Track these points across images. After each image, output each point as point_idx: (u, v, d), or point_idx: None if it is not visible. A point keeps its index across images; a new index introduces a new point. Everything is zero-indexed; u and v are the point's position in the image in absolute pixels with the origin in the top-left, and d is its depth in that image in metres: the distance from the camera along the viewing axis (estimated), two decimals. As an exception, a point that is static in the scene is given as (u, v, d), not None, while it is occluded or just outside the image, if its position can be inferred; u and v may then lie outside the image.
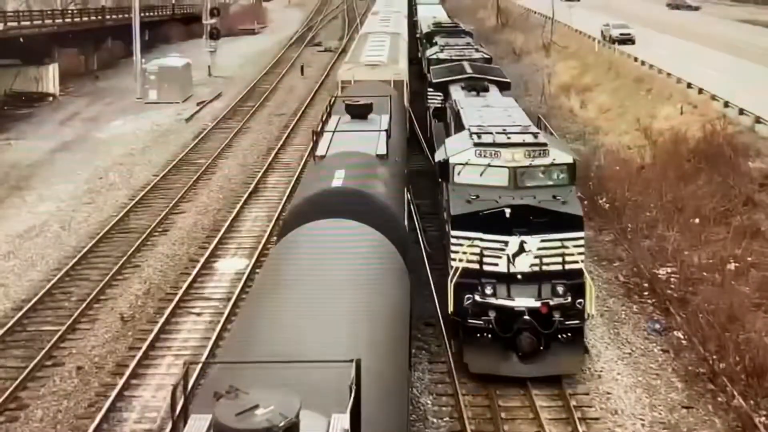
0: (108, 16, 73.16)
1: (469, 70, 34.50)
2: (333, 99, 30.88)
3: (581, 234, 20.68)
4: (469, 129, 23.34)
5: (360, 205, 17.19)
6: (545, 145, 21.66)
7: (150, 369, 21.76)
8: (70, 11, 68.60)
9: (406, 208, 21.43)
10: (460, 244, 20.47)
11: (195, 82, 58.81)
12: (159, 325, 23.59)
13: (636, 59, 59.11)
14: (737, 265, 25.96)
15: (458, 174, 21.52)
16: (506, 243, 20.16)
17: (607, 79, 56.36)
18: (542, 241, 20.15)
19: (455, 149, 22.22)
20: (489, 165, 21.22)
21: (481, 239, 20.31)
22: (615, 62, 60.32)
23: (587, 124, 47.01)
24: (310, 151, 25.91)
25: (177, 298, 25.21)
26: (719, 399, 19.71)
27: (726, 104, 42.66)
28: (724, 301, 23.16)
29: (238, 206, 33.15)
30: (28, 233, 31.06)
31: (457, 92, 31.20)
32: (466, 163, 21.39)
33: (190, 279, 26.46)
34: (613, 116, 47.79)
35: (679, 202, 31.13)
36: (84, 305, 24.74)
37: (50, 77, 57.43)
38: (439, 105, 35.66)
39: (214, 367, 13.05)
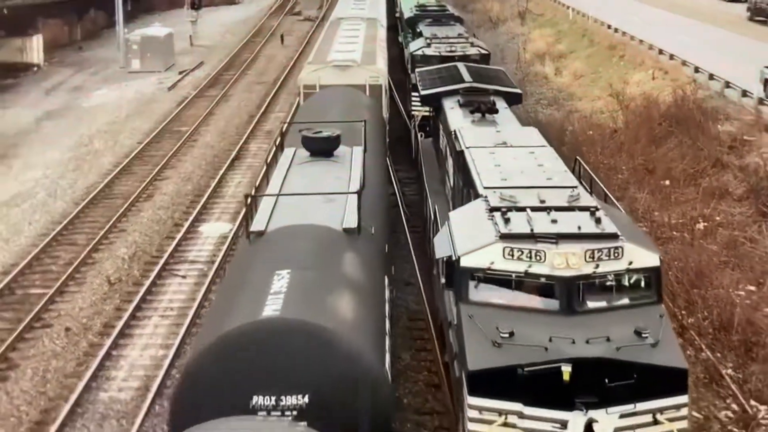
0: (90, -13, 72.42)
1: (467, 76, 26.52)
2: (284, 127, 22.91)
3: (685, 399, 12.91)
4: (486, 200, 15.36)
5: (311, 372, 11.49)
6: (616, 236, 13.78)
7: (137, 329, 21.92)
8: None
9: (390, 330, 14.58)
10: (484, 421, 12.66)
11: (177, 51, 58.46)
12: (145, 287, 23.70)
13: (609, 27, 59.15)
14: (706, 224, 26.26)
15: (475, 287, 13.73)
16: (564, 424, 12.46)
17: (581, 47, 56.52)
18: (623, 416, 12.57)
19: (469, 241, 14.14)
20: (527, 273, 13.48)
21: (522, 415, 12.54)
22: (589, 30, 60.41)
23: (561, 90, 47.19)
24: (243, 219, 18.56)
25: (162, 261, 25.31)
26: (688, 352, 19.99)
27: (696, 69, 42.82)
28: (693, 259, 23.45)
29: (221, 172, 33.16)
30: (14, 200, 31.00)
31: (453, 111, 23.77)
32: (489, 270, 13.59)
33: (174, 243, 26.55)
34: (586, 82, 47.99)
35: (650, 165, 31.42)
36: (71, 269, 24.79)
37: (34, 48, 56.89)
38: (428, 117, 28.96)
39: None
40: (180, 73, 53.16)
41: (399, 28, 55.20)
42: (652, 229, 26.27)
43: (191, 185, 32.29)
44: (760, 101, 35.25)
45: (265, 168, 19.89)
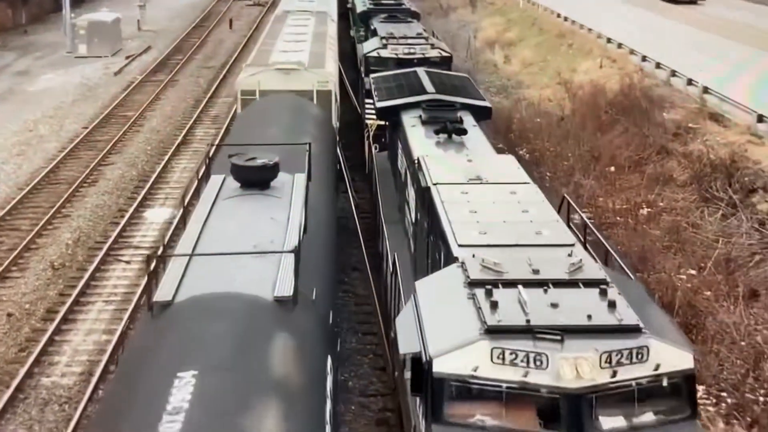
0: (35, -30, 71.45)
1: (429, 86, 23.37)
2: (212, 149, 19.00)
3: None
4: (463, 267, 11.98)
5: None
6: (638, 330, 10.37)
7: (80, 315, 21.77)
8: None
9: None
10: None
11: (124, 36, 57.89)
12: (89, 272, 23.53)
13: (559, 15, 59.60)
14: (649, 210, 26.68)
15: (453, 400, 10.34)
16: None
17: (531, 35, 56.90)
18: None
19: (444, 335, 10.72)
20: (523, 385, 10.10)
21: None
22: (539, 18, 60.85)
23: (510, 78, 47.50)
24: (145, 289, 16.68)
25: (106, 246, 25.15)
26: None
27: (644, 58, 43.37)
28: (636, 243, 23.86)
29: (166, 157, 32.96)
30: (-44, 184, 30.62)
31: (414, 130, 20.41)
32: (472, 380, 10.17)
33: (119, 228, 26.38)
34: (535, 70, 48.35)
35: (596, 152, 31.82)
36: (14, 254, 24.53)
37: (-23, 31, 56.11)
38: (384, 127, 25.86)
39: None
40: (127, 57, 52.65)
41: (350, 20, 51.88)
42: (597, 214, 26.66)
43: (136, 170, 32.06)
44: (705, 89, 35.77)
45: (181, 212, 15.89)
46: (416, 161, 17.34)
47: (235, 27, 64.10)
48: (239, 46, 55.64)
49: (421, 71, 25.29)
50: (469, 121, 21.02)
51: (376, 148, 26.08)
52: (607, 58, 45.29)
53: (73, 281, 23.36)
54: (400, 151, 21.26)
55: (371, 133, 26.98)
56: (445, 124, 19.78)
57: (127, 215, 27.36)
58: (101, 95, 43.46)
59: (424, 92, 22.82)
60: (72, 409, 17.81)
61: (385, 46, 31.55)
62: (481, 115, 22.87)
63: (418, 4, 65.75)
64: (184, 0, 78.99)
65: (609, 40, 48.75)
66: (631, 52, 45.20)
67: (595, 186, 28.72)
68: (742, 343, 18.93)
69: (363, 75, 31.39)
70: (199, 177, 17.17)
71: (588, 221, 17.74)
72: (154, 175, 30.95)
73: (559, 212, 15.78)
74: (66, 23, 55.98)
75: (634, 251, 23.29)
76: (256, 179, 15.18)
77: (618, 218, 26.20)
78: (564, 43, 51.77)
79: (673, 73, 39.55)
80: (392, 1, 45.69)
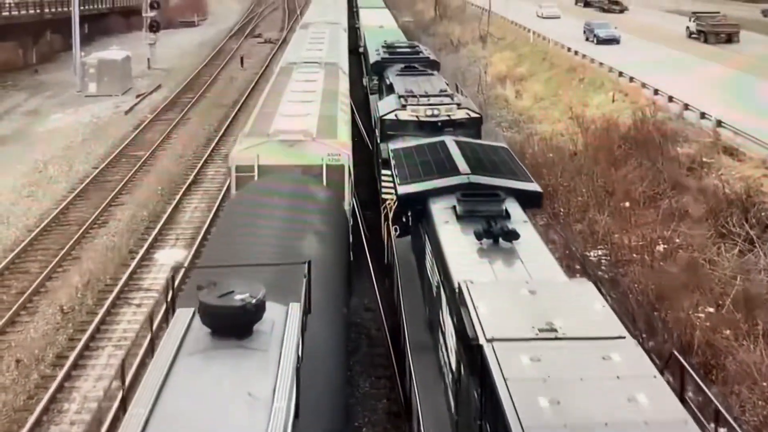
0: (47, 9, 72.03)
1: (462, 163, 18.71)
2: (177, 274, 17.70)
3: None
4: None
5: None
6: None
7: (90, 360, 21.58)
8: (7, 5, 67.44)
9: None
10: None
11: (135, 74, 58.23)
12: (99, 316, 23.36)
13: (569, 50, 59.65)
14: (665, 246, 26.39)
15: None
16: None
17: (542, 69, 56.97)
18: None
19: None
20: None
21: None
22: (549, 53, 60.92)
23: (522, 113, 47.46)
24: None
25: (117, 289, 24.99)
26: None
27: (656, 92, 43.27)
28: (652, 281, 23.55)
29: (177, 197, 32.90)
30: (-34, 227, 30.56)
31: (448, 228, 15.99)
32: None
33: (129, 270, 26.24)
34: (547, 105, 48.33)
35: (610, 187, 31.58)
36: (23, 298, 24.40)
37: (-13, 71, 56.46)
38: (407, 220, 20.41)
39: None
40: (137, 96, 52.87)
41: (363, 66, 48.90)
42: (612, 251, 26.39)
43: (147, 211, 31.99)
44: (719, 123, 35.61)
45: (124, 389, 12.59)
46: (457, 290, 12.63)
47: (246, 65, 64.35)
48: (251, 83, 55.82)
49: (450, 141, 20.74)
50: (516, 213, 16.58)
51: (395, 231, 21.45)
52: (619, 91, 45.25)
53: (82, 326, 23.18)
54: (429, 252, 16.97)
55: (390, 214, 22.52)
56: (489, 224, 15.10)
57: (138, 257, 27.22)
58: (111, 134, 43.55)
59: (457, 173, 18.30)
60: (81, 459, 17.60)
61: (403, 107, 27.48)
62: (529, 201, 18.17)
63: (428, 40, 66.08)
64: (195, 38, 79.57)
65: (621, 74, 48.70)
66: (643, 85, 45.12)
67: (609, 222, 28.46)
68: (764, 384, 18.60)
69: (378, 140, 28.28)
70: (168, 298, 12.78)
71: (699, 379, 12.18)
72: (165, 216, 30.85)
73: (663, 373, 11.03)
74: (76, 62, 56.37)
75: (651, 289, 22.99)
76: (231, 325, 10.76)
77: (634, 255, 25.92)
78: (575, 77, 51.77)
79: (686, 107, 39.41)
80: (408, 49, 41.62)
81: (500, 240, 14.83)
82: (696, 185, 30.33)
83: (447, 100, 28.27)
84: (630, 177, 32.16)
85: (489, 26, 72.03)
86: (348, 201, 23.52)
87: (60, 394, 19.92)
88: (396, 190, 19.35)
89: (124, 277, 25.76)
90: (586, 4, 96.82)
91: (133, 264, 26.71)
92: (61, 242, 28.63)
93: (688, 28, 67.32)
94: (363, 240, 27.27)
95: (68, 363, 20.98)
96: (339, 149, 23.67)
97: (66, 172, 37.11)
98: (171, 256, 27.79)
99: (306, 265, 12.36)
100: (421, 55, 39.71)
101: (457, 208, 16.50)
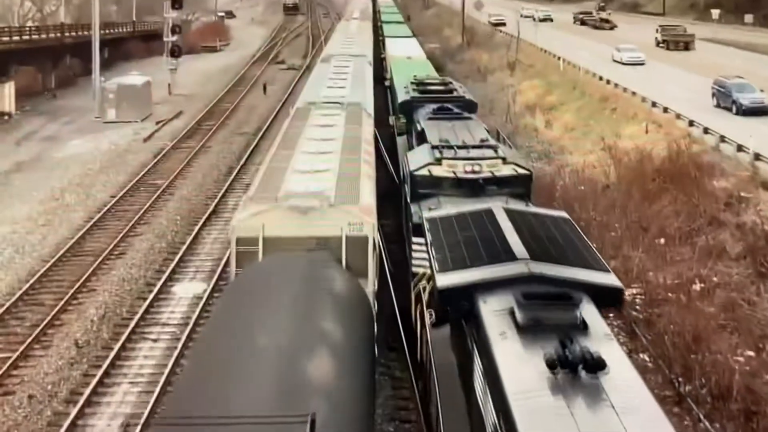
0: (67, 33, 72.68)
1: (518, 246, 15.02)
2: None
3: None
4: None
5: None
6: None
7: (105, 397, 21.43)
8: (27, 28, 68.18)
9: None
10: None
11: (155, 100, 58.48)
12: (114, 351, 23.24)
13: (601, 78, 59.48)
14: (702, 285, 26.07)
15: None
16: None
17: (572, 98, 56.79)
18: None
19: None
20: None
21: None
22: (580, 81, 60.77)
23: (552, 143, 47.23)
24: None
25: (133, 323, 24.88)
26: (686, 422, 19.68)
27: (691, 123, 43.00)
28: (689, 321, 23.19)
29: (197, 228, 32.82)
30: (-20, 257, 30.60)
31: (507, 347, 12.35)
32: None
33: (146, 304, 26.13)
34: (577, 135, 48.09)
35: (644, 222, 31.31)
36: (37, 331, 24.32)
37: (6, 95, 56.84)
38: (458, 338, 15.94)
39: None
40: (157, 123, 53.06)
41: (389, 101, 45.38)
42: (647, 290, 26.05)
43: (165, 242, 31.93)
44: (757, 156, 35.27)
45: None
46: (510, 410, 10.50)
47: (269, 92, 64.50)
48: (273, 111, 55.91)
49: (498, 210, 17.24)
50: (596, 323, 12.84)
51: (431, 317, 17.32)
52: (653, 122, 44.98)
53: (97, 360, 23.05)
54: (479, 371, 13.31)
55: (424, 295, 18.89)
56: (563, 344, 11.51)
57: (155, 290, 27.12)
58: (130, 162, 43.66)
59: (512, 257, 14.57)
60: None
61: (438, 161, 24.03)
62: (606, 298, 14.30)
63: (455, 68, 66.08)
64: (217, 63, 80.00)
65: (654, 104, 48.44)
66: (678, 116, 44.84)
67: (644, 259, 28.14)
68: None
69: (408, 198, 24.40)
70: None
71: None
72: (184, 247, 30.77)
73: None
74: (95, 87, 56.67)
75: (688, 330, 22.63)
76: None
77: (669, 294, 25.58)
78: (607, 107, 51.55)
79: (722, 139, 39.10)
80: (441, 87, 37.94)
81: (581, 371, 11.22)
82: (734, 221, 30.03)
83: (489, 152, 24.80)
84: (665, 212, 31.87)
85: (518, 53, 71.98)
86: (372, 280, 19.54)
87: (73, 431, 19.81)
88: (434, 280, 15.33)
89: (141, 310, 25.65)
90: (582, 23, 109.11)
91: (150, 297, 26.61)
92: (77, 273, 28.59)
93: (656, 38, 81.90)
94: (390, 323, 23.74)
95: (82, 399, 20.84)
96: (362, 216, 19.89)
97: (83, 201, 37.17)
98: (189, 289, 27.67)
99: (308, 424, 10.26)
100: (455, 94, 36.30)
101: (517, 314, 12.72)
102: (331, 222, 19.54)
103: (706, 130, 41.06)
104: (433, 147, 25.23)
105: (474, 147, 25.31)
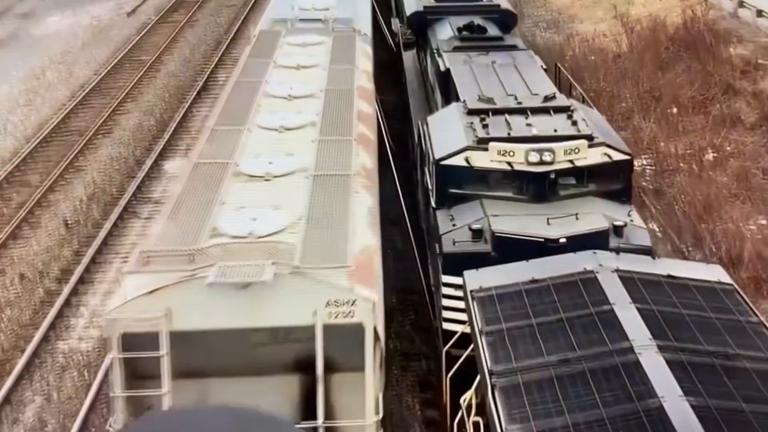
0: None
1: (663, 378, 9.38)
2: None
3: None
4: None
5: None
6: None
7: (97, 275, 22.13)
8: None
9: None
10: None
11: (137, -27, 58.00)
12: (105, 230, 23.85)
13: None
14: (715, 154, 26.55)
15: None
16: None
17: (583, -37, 56.30)
18: None
19: None
20: None
21: None
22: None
23: (562, 12, 47.06)
24: None
25: (124, 202, 25.45)
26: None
27: (708, -12, 42.85)
28: (700, 191, 23.76)
29: (186, 105, 33.13)
30: (-39, 138, 31.05)
31: None
32: None
33: (137, 182, 26.67)
34: (588, 3, 47.83)
35: (656, 92, 31.56)
36: (25, 211, 24.89)
37: (-23, -30, 56.22)
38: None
39: None
40: (140, -4, 52.77)
41: (395, 17, 34.12)
42: (657, 160, 26.57)
43: (154, 119, 32.30)
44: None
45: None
46: None
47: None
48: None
49: (608, 279, 11.68)
50: None
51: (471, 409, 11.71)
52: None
53: (88, 240, 23.69)
54: None
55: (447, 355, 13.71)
56: None
57: (146, 167, 27.61)
58: (114, 38, 43.64)
59: (652, 398, 9.16)
60: (91, 376, 18.17)
61: (481, 142, 16.01)
62: None
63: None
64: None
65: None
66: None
67: (655, 129, 28.57)
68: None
69: (434, 201, 16.63)
70: None
71: None
72: (174, 124, 31.14)
73: None
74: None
75: (699, 199, 23.22)
76: None
77: (681, 164, 26.10)
78: (620, -28, 51.22)
79: (741, 4, 39.06)
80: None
81: None
82: (750, 89, 30.30)
83: (564, 122, 16.80)
84: (678, 81, 32.10)
85: None
86: (371, 404, 11.98)
87: (67, 309, 20.51)
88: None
89: (132, 188, 26.19)
90: None
91: (141, 175, 27.12)
92: (63, 153, 29.04)
93: None
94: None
95: (74, 278, 21.54)
96: (353, 287, 11.90)
97: (66, 79, 37.37)
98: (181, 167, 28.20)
99: None
100: (486, 1, 28.12)
101: None
102: (296, 300, 11.71)
103: (724, -5, 40.96)
104: (470, 112, 17.42)
105: (536, 110, 17.36)
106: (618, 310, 10.76)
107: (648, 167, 26.43)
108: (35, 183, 27.01)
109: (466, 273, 12.91)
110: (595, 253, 12.66)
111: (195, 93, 34.43)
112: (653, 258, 13.38)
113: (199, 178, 15.13)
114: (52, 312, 20.10)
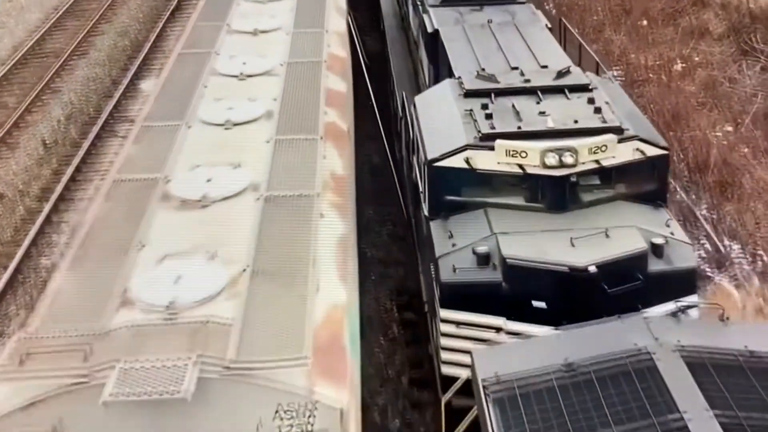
0: None
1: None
2: None
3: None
4: None
5: None
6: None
7: (78, 193, 22.31)
8: None
9: None
10: None
11: None
12: (84, 149, 23.98)
13: None
14: (684, 65, 26.82)
15: None
16: None
17: None
18: None
19: None
20: None
21: None
22: None
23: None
24: None
25: (101, 121, 25.53)
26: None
27: None
28: (669, 101, 24.09)
29: (161, 24, 32.96)
30: (-66, 62, 30.89)
31: None
32: None
33: (114, 101, 26.72)
34: None
35: (627, 5, 31.75)
36: (2, 132, 24.95)
37: None
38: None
39: None
40: None
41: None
42: (628, 71, 26.83)
43: (128, 40, 32.19)
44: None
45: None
46: None
47: None
48: None
49: (672, 365, 8.63)
50: None
51: None
52: None
53: (67, 159, 23.82)
54: None
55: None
56: None
57: (122, 87, 27.64)
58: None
59: None
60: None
61: (485, 139, 12.94)
62: None
63: None
64: None
65: None
66: None
67: (626, 41, 28.77)
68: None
69: (426, 210, 13.68)
70: None
71: None
72: (149, 44, 31.05)
73: None
74: None
75: (668, 108, 23.54)
76: None
77: (651, 75, 26.37)
78: None
79: None
80: None
81: None
82: (719, 1, 30.46)
83: (582, 105, 13.69)
84: (648, -7, 32.29)
85: None
86: None
87: (48, 226, 20.73)
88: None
89: (109, 108, 26.25)
90: None
91: (118, 94, 27.14)
92: (39, 74, 28.99)
93: None
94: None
95: (54, 195, 21.72)
96: (312, 385, 8.52)
97: (39, 1, 37.01)
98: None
99: None
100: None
101: None
102: (230, 412, 8.48)
103: None
104: (468, 93, 14.19)
105: (549, 90, 14.16)
106: (693, 427, 7.58)
107: (619, 78, 26.65)
108: (12, 105, 27.02)
109: (475, 354, 9.55)
110: (646, 317, 9.59)
111: (168, 13, 34.22)
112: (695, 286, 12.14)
113: (116, 202, 11.80)
114: (33, 229, 20.30)
